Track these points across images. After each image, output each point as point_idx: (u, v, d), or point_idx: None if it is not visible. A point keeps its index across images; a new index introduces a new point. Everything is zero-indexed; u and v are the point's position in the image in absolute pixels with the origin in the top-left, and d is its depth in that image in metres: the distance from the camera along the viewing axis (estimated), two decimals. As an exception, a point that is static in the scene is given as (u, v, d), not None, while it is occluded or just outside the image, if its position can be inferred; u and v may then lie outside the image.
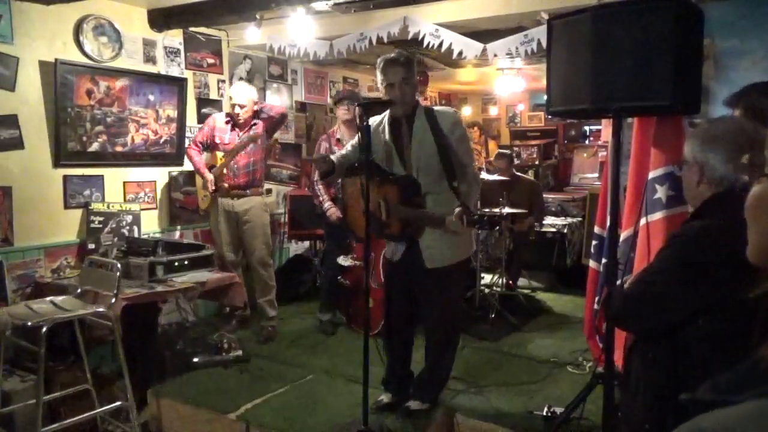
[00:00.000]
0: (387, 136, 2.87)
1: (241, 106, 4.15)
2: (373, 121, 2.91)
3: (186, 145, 4.49)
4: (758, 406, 0.82)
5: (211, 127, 4.27)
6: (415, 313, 3.03)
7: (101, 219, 4.07)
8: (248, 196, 4.22)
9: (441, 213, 2.62)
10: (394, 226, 2.85)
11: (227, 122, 4.23)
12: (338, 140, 4.40)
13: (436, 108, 2.91)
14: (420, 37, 3.95)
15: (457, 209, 2.52)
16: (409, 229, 2.82)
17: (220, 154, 4.20)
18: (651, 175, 2.53)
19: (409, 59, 2.80)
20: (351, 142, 3.07)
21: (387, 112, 2.90)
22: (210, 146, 4.30)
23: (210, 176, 4.20)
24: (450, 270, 2.86)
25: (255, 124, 4.23)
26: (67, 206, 3.95)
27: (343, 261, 4.31)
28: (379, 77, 2.81)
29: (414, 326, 3.10)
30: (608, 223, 2.44)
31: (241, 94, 4.18)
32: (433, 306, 2.94)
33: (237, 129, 4.23)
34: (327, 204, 4.33)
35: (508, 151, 5.92)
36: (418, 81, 2.83)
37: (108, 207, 4.13)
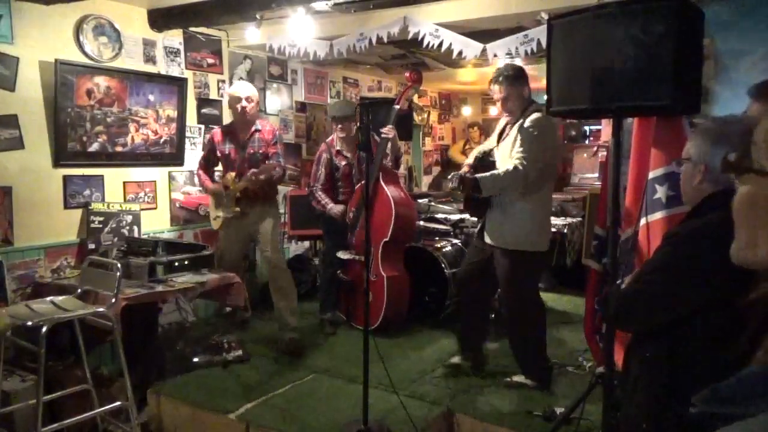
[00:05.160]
0: (497, 132, 3.38)
1: (249, 99, 3.98)
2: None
3: (197, 166, 4.33)
4: None
5: (210, 141, 4.17)
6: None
7: (101, 219, 4.07)
8: (260, 203, 4.05)
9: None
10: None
11: (224, 133, 4.11)
12: (338, 152, 4.40)
13: (537, 112, 3.19)
14: (420, 37, 3.95)
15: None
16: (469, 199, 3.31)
17: (232, 175, 4.00)
18: (651, 175, 2.54)
19: (513, 77, 3.21)
20: (491, 141, 3.49)
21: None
22: (214, 161, 4.21)
23: (212, 186, 4.11)
24: (508, 253, 3.18)
25: (258, 131, 4.04)
26: (67, 206, 3.95)
27: (343, 255, 4.32)
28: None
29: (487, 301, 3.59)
30: (608, 223, 2.44)
31: (247, 88, 4.06)
32: (500, 286, 3.33)
33: (235, 138, 4.06)
34: (330, 205, 4.34)
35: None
36: (521, 91, 3.24)
37: (108, 207, 4.13)
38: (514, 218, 3.16)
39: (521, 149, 3.08)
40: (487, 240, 3.26)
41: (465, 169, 3.33)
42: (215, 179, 4.21)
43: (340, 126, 4.37)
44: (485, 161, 3.27)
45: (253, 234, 4.10)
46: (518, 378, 3.35)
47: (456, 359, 3.59)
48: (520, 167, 3.03)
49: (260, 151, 4.03)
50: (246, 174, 3.90)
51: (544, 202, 3.28)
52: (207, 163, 4.21)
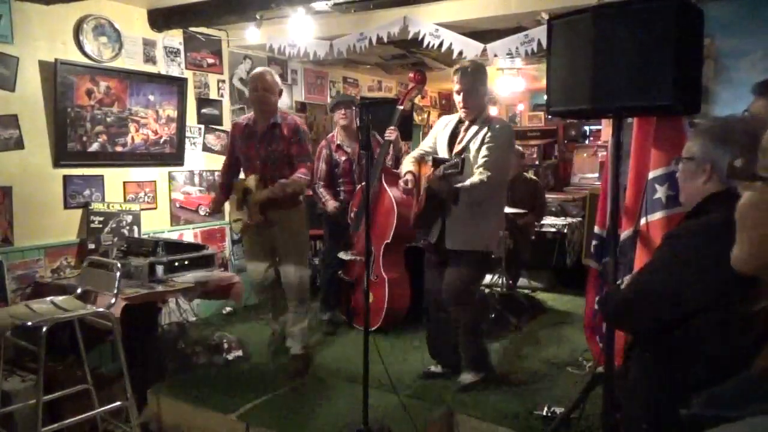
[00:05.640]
0: (448, 131, 3.21)
1: (266, 88, 3.43)
2: (446, 118, 3.33)
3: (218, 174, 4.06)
4: (760, 423, 0.80)
5: (230, 136, 3.72)
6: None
7: (101, 219, 4.07)
8: (284, 209, 3.52)
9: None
10: (422, 203, 3.17)
11: (242, 127, 3.58)
12: (338, 146, 4.41)
13: (496, 118, 3.23)
14: (420, 37, 3.96)
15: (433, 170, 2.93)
16: (433, 203, 3.09)
17: (255, 178, 3.47)
18: (651, 175, 2.53)
19: (480, 69, 3.14)
20: (428, 138, 3.37)
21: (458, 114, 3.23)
22: (236, 160, 3.67)
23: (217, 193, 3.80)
24: (473, 254, 3.09)
25: (277, 125, 3.49)
26: (67, 206, 3.95)
27: (344, 255, 4.33)
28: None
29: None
30: (608, 223, 2.44)
31: (265, 74, 3.51)
32: (447, 291, 3.17)
33: (253, 133, 3.53)
34: (330, 203, 4.35)
35: (520, 149, 5.87)
36: (483, 90, 3.18)
37: (108, 207, 4.13)
38: (481, 220, 3.08)
39: (489, 156, 2.98)
40: (450, 246, 3.11)
41: (409, 177, 3.15)
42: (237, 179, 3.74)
43: (342, 112, 4.36)
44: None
45: (276, 244, 3.64)
46: (466, 376, 3.26)
47: (434, 368, 3.48)
48: (486, 179, 2.94)
49: (278, 149, 3.48)
50: (268, 179, 3.45)
51: (503, 205, 3.34)
52: (229, 164, 3.73)
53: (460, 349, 3.32)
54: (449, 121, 3.27)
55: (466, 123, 3.16)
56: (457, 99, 3.13)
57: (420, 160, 3.28)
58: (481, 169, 2.96)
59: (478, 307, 3.34)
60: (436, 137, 3.28)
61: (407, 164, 3.25)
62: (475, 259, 3.14)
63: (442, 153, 3.18)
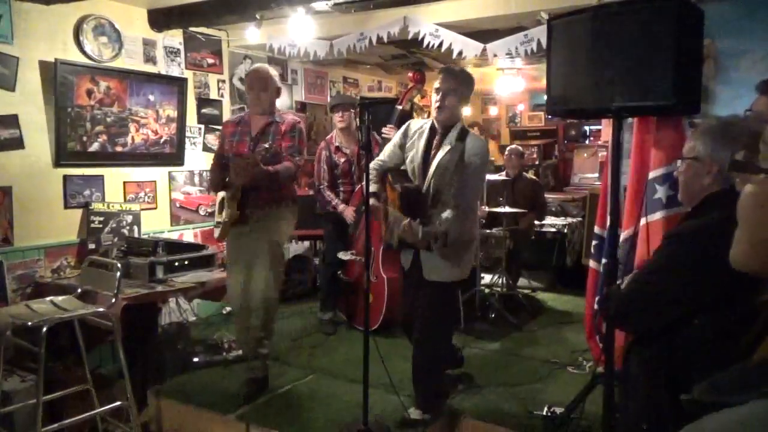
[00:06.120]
0: (422, 143, 2.88)
1: (257, 86, 3.27)
2: (416, 124, 2.99)
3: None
4: (760, 406, 0.81)
5: (221, 135, 3.54)
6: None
7: (101, 219, 4.07)
8: (270, 209, 3.28)
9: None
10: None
11: (235, 124, 3.40)
12: (337, 148, 4.41)
13: (472, 133, 2.92)
14: (420, 37, 3.96)
15: (409, 223, 2.58)
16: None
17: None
18: (651, 175, 2.54)
19: (467, 77, 2.89)
20: (390, 146, 3.04)
21: (430, 120, 2.95)
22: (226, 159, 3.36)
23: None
24: (442, 286, 2.86)
25: (274, 123, 3.31)
26: (67, 206, 3.95)
27: (343, 255, 4.33)
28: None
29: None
30: (608, 223, 2.44)
31: (259, 71, 3.35)
32: (419, 317, 2.96)
33: (247, 132, 3.33)
34: (341, 206, 4.35)
35: (520, 148, 5.86)
36: (464, 98, 2.91)
37: (108, 207, 4.13)
38: (457, 252, 2.83)
39: (463, 186, 2.73)
40: (427, 276, 2.86)
41: (373, 203, 2.85)
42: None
43: (339, 115, 4.37)
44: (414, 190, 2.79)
45: (251, 240, 3.27)
46: (415, 412, 2.97)
47: None
48: (460, 213, 2.70)
49: (272, 147, 3.26)
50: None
51: (476, 222, 3.20)
52: (219, 163, 3.40)
53: (420, 380, 3.02)
54: (420, 128, 2.94)
55: (438, 135, 2.86)
56: (435, 98, 2.83)
57: (383, 176, 2.99)
58: (452, 205, 2.70)
59: (448, 343, 3.14)
60: (407, 146, 2.95)
61: (371, 185, 2.87)
62: (455, 288, 3.02)
63: (414, 165, 2.88)
